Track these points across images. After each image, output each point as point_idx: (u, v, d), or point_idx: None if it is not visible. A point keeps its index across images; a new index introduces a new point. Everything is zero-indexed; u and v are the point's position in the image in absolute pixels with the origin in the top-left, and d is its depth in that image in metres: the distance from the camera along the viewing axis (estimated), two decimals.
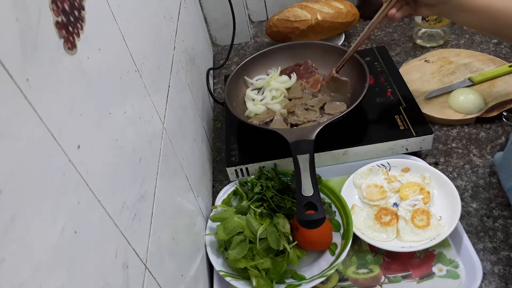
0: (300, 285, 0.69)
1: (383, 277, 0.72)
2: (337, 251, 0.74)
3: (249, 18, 1.41)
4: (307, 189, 0.69)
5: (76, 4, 0.41)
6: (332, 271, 0.69)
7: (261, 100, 0.99)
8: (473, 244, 0.71)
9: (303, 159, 0.73)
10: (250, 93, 1.01)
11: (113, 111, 0.46)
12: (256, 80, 1.05)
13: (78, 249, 0.35)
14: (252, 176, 0.85)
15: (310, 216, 0.67)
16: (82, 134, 0.38)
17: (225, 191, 0.87)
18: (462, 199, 0.77)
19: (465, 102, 0.93)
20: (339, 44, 1.20)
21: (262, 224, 0.72)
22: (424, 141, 0.85)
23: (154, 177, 0.56)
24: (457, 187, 0.77)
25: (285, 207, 0.77)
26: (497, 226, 0.75)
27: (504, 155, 0.78)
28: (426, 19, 1.13)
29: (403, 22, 1.28)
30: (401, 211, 0.76)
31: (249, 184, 0.84)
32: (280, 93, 1.00)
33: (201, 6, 1.26)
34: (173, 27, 0.85)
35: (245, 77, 1.04)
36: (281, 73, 1.04)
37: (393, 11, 0.84)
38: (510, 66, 1.01)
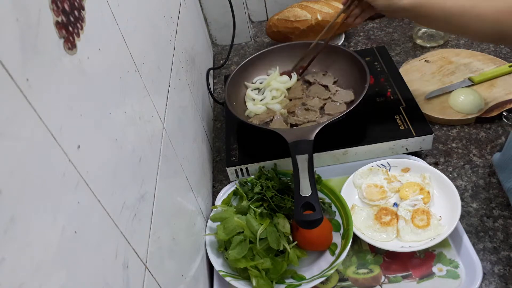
0: (300, 285, 0.69)
1: (383, 277, 0.72)
2: (337, 251, 0.74)
3: (249, 18, 1.41)
4: (305, 189, 0.69)
5: (76, 4, 0.41)
6: (332, 271, 0.69)
7: (261, 100, 0.99)
8: (473, 244, 0.71)
9: (302, 159, 0.73)
10: (250, 93, 1.01)
11: (113, 111, 0.46)
12: (255, 82, 1.05)
13: (78, 249, 0.35)
14: (252, 176, 0.85)
15: (307, 217, 0.67)
16: (82, 134, 0.38)
17: (225, 191, 0.87)
18: (462, 199, 0.77)
19: (465, 102, 0.93)
20: (339, 44, 1.20)
21: (262, 224, 0.72)
22: (424, 141, 0.85)
23: (154, 177, 0.56)
24: (457, 187, 0.77)
25: (285, 207, 0.77)
26: (497, 226, 0.75)
27: (503, 156, 0.78)
28: None
29: (403, 22, 1.28)
30: (401, 211, 0.76)
31: (249, 184, 0.84)
32: (280, 93, 1.00)
33: (201, 6, 1.26)
34: (173, 27, 0.85)
35: (245, 83, 1.04)
36: (283, 74, 1.04)
37: (351, 19, 0.87)
38: (510, 66, 1.01)
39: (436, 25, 0.83)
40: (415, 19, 0.85)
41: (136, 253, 0.45)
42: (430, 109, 0.96)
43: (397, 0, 0.76)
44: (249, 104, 0.99)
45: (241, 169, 0.88)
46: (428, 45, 1.17)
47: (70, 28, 0.39)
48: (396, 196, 0.81)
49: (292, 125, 0.92)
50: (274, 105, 0.97)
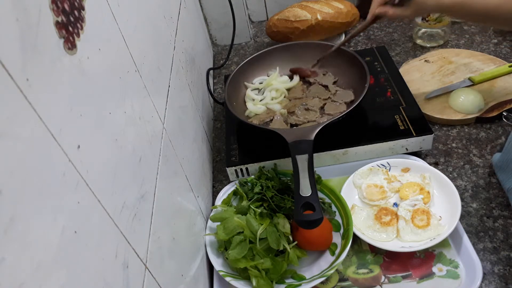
0: (300, 285, 0.69)
1: (383, 277, 0.72)
2: (337, 251, 0.74)
3: (249, 18, 1.41)
4: (305, 189, 0.69)
5: (76, 4, 0.41)
6: (332, 271, 0.69)
7: (261, 100, 0.99)
8: (473, 244, 0.71)
9: (302, 159, 0.73)
10: (250, 93, 1.01)
11: (113, 111, 0.46)
12: (255, 83, 1.05)
13: (78, 249, 0.35)
14: (252, 176, 0.85)
15: (307, 217, 0.67)
16: (82, 134, 0.38)
17: (225, 191, 0.87)
18: (462, 199, 0.77)
19: (465, 102, 0.93)
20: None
21: (262, 224, 0.72)
22: (424, 141, 0.85)
23: (154, 177, 0.56)
24: (457, 187, 0.77)
25: (285, 207, 0.77)
26: (497, 226, 0.75)
27: (503, 156, 0.78)
28: (426, 19, 1.13)
29: (403, 22, 1.28)
30: (401, 211, 0.76)
31: (249, 184, 0.84)
32: (280, 94, 1.00)
33: (201, 6, 1.26)
34: (173, 27, 0.85)
35: (245, 83, 1.04)
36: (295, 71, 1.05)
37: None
38: (510, 66, 1.01)
39: (476, 21, 0.86)
40: (454, 17, 0.87)
41: (136, 253, 0.45)
42: (430, 109, 0.96)
43: (435, 9, 0.78)
44: (249, 104, 0.99)
45: (241, 169, 0.87)
46: (428, 45, 1.16)
47: (70, 28, 0.39)
48: (396, 196, 0.81)
49: (292, 125, 0.92)
50: (274, 105, 0.97)
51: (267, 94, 1.00)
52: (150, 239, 0.50)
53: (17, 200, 0.28)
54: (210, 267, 0.76)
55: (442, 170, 0.82)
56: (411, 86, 0.96)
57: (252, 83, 1.05)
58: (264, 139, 0.89)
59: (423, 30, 1.16)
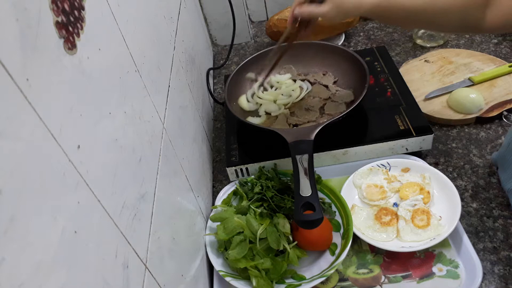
0: (300, 285, 0.69)
1: (383, 277, 0.72)
2: (337, 251, 0.74)
3: (249, 18, 1.41)
4: (305, 189, 0.69)
5: (76, 4, 0.41)
6: (332, 271, 0.69)
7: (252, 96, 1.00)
8: (473, 244, 0.71)
9: (302, 159, 0.73)
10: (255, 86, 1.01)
11: (113, 111, 0.46)
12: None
13: (78, 249, 0.35)
14: (252, 176, 0.85)
15: (307, 217, 0.67)
16: (82, 134, 0.38)
17: (225, 191, 0.87)
18: (462, 199, 0.77)
19: (465, 102, 0.93)
20: (339, 44, 1.20)
21: (262, 224, 0.72)
22: (424, 141, 0.85)
23: (154, 177, 0.56)
24: (457, 187, 0.77)
25: (285, 207, 0.77)
26: (497, 226, 0.75)
27: (503, 156, 0.78)
28: None
29: None
30: (401, 211, 0.76)
31: (249, 184, 0.84)
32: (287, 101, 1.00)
33: (201, 6, 1.26)
34: (173, 27, 0.85)
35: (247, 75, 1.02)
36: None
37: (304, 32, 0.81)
38: (510, 66, 1.01)
39: (400, 23, 0.82)
40: (377, 20, 0.81)
41: (136, 253, 0.45)
42: (430, 109, 0.96)
43: (354, 10, 0.72)
44: (242, 99, 0.99)
45: (241, 169, 0.87)
46: (428, 45, 1.16)
47: (70, 28, 0.39)
48: (396, 196, 0.81)
49: (292, 125, 0.92)
50: (270, 105, 0.97)
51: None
52: (150, 239, 0.50)
53: (17, 200, 0.28)
54: (210, 267, 0.76)
55: (442, 170, 0.82)
56: (411, 86, 0.96)
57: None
58: (264, 139, 0.90)
59: (423, 30, 1.16)
